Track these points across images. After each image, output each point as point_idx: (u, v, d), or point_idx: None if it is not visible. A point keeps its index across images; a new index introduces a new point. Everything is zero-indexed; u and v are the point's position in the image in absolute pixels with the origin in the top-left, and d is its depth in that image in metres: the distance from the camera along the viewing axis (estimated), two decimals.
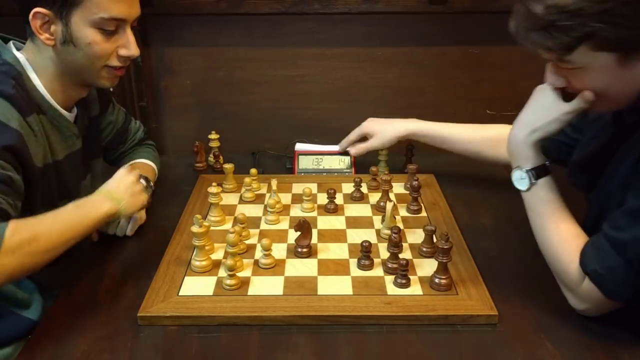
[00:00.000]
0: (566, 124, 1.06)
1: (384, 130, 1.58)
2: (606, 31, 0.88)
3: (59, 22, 1.12)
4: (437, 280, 1.10)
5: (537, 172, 1.09)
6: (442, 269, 1.10)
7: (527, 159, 1.09)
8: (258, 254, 1.21)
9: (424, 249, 1.22)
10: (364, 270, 1.16)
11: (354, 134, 1.64)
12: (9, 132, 1.07)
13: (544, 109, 1.06)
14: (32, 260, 1.00)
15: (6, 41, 1.21)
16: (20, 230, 0.98)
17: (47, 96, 1.18)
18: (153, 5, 1.94)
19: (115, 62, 1.19)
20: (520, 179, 1.10)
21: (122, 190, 1.19)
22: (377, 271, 1.16)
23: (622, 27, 0.88)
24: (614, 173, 1.09)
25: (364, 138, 1.63)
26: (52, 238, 1.02)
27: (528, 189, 1.09)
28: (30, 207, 1.12)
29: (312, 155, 1.66)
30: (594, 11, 0.87)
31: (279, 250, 1.23)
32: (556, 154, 1.29)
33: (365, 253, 1.16)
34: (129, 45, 1.18)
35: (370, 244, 1.15)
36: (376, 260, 1.18)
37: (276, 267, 1.17)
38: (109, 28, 1.14)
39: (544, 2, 0.90)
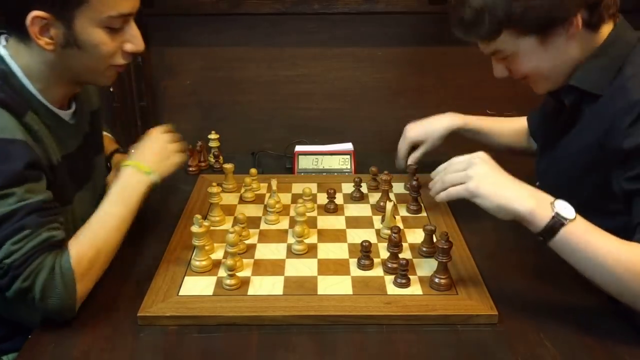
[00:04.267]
0: None
1: (430, 132, 1.51)
2: (518, 15, 1.06)
3: (60, 25, 1.03)
4: (437, 280, 1.10)
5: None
6: (442, 268, 1.10)
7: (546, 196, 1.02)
8: (291, 239, 1.25)
9: (424, 249, 1.22)
10: (364, 270, 1.16)
11: (403, 148, 1.53)
12: (20, 146, 1.01)
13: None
14: (101, 270, 1.08)
15: None
16: (83, 254, 1.03)
17: (39, 96, 1.11)
18: (153, 6, 1.95)
19: (120, 60, 1.13)
20: (566, 207, 0.99)
21: (150, 159, 1.20)
22: (377, 271, 1.16)
23: (530, 9, 1.05)
24: (563, 160, 1.19)
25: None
26: (110, 241, 1.09)
27: (575, 216, 0.98)
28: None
29: (312, 155, 1.66)
30: (505, 2, 1.06)
31: (278, 250, 1.23)
32: None
33: (365, 253, 1.16)
34: (134, 40, 1.11)
35: (370, 243, 1.15)
36: (376, 260, 1.18)
37: (276, 267, 1.17)
38: (116, 26, 1.07)
39: (469, 6, 1.09)
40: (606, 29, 1.12)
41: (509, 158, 1.22)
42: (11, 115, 1.03)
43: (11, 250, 0.97)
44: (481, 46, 1.17)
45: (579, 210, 1.00)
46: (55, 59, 1.08)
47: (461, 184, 1.04)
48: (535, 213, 0.98)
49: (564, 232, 0.97)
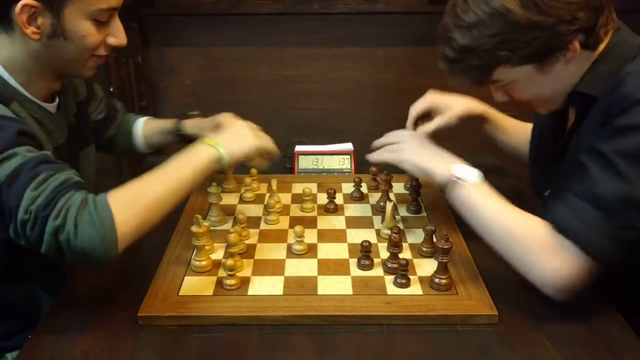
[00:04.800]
0: None
1: (452, 105, 1.41)
2: (509, 54, 1.03)
3: (48, 14, 1.03)
4: (437, 280, 1.10)
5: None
6: (442, 268, 1.10)
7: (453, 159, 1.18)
8: (291, 239, 1.24)
9: (424, 249, 1.22)
10: (364, 270, 1.16)
11: (416, 110, 1.42)
12: (10, 120, 1.01)
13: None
14: (146, 213, 1.00)
15: None
16: (120, 191, 1.00)
17: (21, 89, 1.10)
18: (153, 6, 1.95)
19: (102, 52, 1.13)
20: (466, 171, 1.14)
21: (222, 135, 1.17)
22: (377, 271, 1.16)
23: (519, 48, 1.02)
24: (570, 160, 1.15)
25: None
26: (156, 190, 1.03)
27: (476, 181, 1.13)
28: None
29: (312, 155, 1.66)
30: (491, 44, 1.02)
31: (278, 250, 1.23)
32: None
33: (365, 253, 1.16)
34: (118, 34, 1.13)
35: (370, 244, 1.15)
36: (376, 260, 1.18)
37: (276, 267, 1.17)
38: (104, 19, 1.09)
39: (451, 46, 1.07)
40: (605, 41, 1.08)
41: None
42: None
43: (33, 196, 0.93)
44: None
45: None
46: (39, 49, 1.07)
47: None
48: (436, 171, 1.17)
49: (458, 191, 1.13)
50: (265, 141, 1.24)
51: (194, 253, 1.18)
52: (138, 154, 1.60)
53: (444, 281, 1.10)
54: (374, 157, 1.31)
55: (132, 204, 0.99)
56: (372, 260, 1.17)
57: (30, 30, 1.04)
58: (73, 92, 1.31)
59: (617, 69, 1.06)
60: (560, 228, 0.99)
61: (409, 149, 1.25)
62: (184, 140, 1.50)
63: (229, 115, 1.46)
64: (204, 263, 1.16)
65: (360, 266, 1.16)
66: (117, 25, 1.12)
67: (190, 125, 1.51)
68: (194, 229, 1.15)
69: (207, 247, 1.19)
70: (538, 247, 1.01)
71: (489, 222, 1.08)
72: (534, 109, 1.21)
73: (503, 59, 1.04)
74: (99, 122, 1.47)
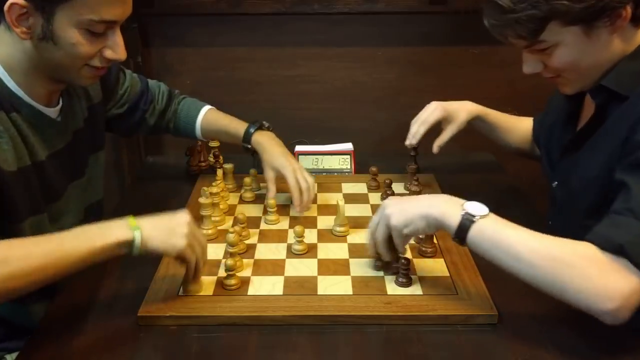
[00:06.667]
0: None
1: (457, 112, 1.45)
2: (565, 6, 0.99)
3: (38, 16, 1.00)
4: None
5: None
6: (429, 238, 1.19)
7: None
8: (291, 239, 1.25)
9: (424, 249, 1.22)
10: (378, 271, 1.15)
11: (429, 122, 1.43)
12: None
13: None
14: (12, 283, 0.88)
15: None
16: None
17: (20, 92, 1.08)
18: (153, 6, 1.95)
19: (97, 63, 1.09)
20: (477, 206, 1.01)
21: (151, 222, 1.01)
22: (378, 271, 1.16)
23: (579, 2, 0.99)
24: (588, 161, 1.13)
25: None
26: (27, 264, 0.90)
27: (488, 213, 1.00)
28: (14, 214, 1.07)
29: (312, 155, 1.66)
30: None
31: (278, 250, 1.23)
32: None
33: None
34: (116, 48, 1.08)
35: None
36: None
37: (276, 267, 1.17)
38: (98, 31, 1.04)
39: None
40: None
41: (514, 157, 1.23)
42: None
43: None
44: (518, 40, 1.08)
45: (602, 212, 0.99)
46: (32, 49, 1.05)
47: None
48: (447, 214, 1.01)
49: (475, 228, 0.98)
50: (191, 254, 1.03)
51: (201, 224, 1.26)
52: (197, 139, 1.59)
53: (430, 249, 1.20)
54: (369, 244, 1.12)
55: None
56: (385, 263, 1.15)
57: (19, 29, 1.01)
58: (85, 96, 1.29)
59: None
60: (613, 246, 0.92)
61: (392, 213, 1.06)
62: (248, 150, 1.46)
63: (290, 165, 1.38)
64: (209, 232, 1.25)
65: (376, 267, 1.15)
66: (116, 39, 1.08)
67: (257, 140, 1.45)
68: (201, 200, 1.26)
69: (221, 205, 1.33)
70: (591, 267, 0.92)
71: (525, 254, 0.95)
72: (561, 86, 1.16)
73: (560, 11, 1.00)
74: (120, 115, 1.44)
